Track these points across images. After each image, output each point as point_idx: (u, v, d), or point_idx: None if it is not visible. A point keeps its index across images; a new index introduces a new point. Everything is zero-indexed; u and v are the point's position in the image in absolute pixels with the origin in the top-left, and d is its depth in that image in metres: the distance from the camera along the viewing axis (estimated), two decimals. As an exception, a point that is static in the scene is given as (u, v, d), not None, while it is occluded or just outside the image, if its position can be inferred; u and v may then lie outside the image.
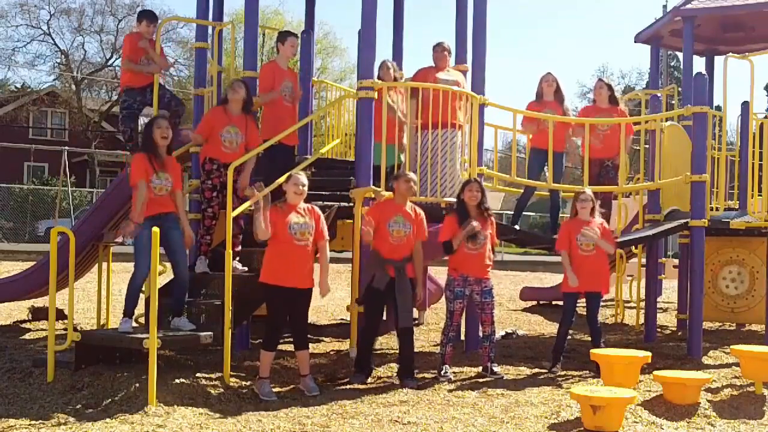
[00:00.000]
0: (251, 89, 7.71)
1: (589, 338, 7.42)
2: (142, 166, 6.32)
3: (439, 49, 8.19)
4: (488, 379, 6.85)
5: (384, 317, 6.85)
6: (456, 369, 7.07)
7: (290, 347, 7.13)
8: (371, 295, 6.60)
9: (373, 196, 7.13)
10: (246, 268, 6.94)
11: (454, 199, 7.60)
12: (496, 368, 7.00)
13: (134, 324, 6.58)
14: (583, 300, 7.38)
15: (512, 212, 10.49)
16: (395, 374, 6.75)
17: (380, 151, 7.25)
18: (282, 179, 6.89)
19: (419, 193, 7.48)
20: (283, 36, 7.83)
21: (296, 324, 6.25)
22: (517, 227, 8.59)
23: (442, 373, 6.83)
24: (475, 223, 6.74)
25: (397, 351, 7.64)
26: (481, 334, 7.12)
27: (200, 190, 7.16)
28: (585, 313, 7.49)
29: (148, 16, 8.06)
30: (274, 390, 6.17)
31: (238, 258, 6.99)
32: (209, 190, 7.07)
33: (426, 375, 6.87)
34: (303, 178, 6.25)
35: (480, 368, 7.06)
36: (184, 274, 6.53)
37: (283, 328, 6.32)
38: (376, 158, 7.28)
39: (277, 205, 6.14)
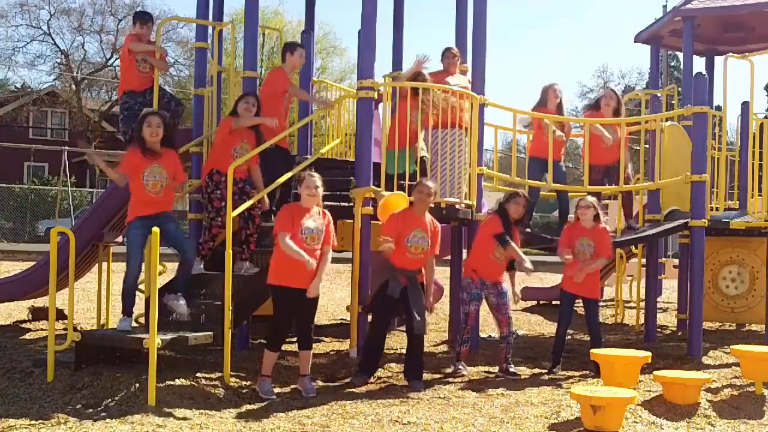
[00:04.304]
0: (251, 89, 7.72)
1: (588, 338, 7.42)
2: (131, 160, 6.35)
3: (449, 54, 8.26)
4: (489, 377, 6.86)
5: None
6: (467, 374, 7.07)
7: (291, 347, 7.14)
8: (384, 302, 6.58)
9: (373, 196, 7.13)
10: (258, 269, 6.93)
11: (455, 200, 7.62)
12: (513, 368, 7.03)
13: (134, 324, 6.58)
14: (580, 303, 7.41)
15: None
16: (401, 374, 6.74)
17: (393, 159, 7.27)
18: (282, 179, 6.91)
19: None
20: (292, 47, 7.89)
21: (302, 325, 6.23)
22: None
23: (458, 368, 6.97)
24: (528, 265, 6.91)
25: (397, 351, 7.67)
26: (498, 335, 7.19)
27: (207, 199, 7.13)
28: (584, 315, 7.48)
29: (140, 17, 8.04)
30: (274, 390, 6.17)
31: (249, 261, 7.01)
32: (218, 200, 7.04)
33: (426, 375, 6.87)
34: (317, 179, 6.15)
35: (496, 368, 7.10)
36: (190, 257, 6.62)
37: (288, 329, 6.31)
38: (393, 166, 7.29)
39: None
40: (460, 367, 7.01)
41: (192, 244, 6.78)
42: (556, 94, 8.67)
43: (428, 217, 6.66)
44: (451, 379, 6.77)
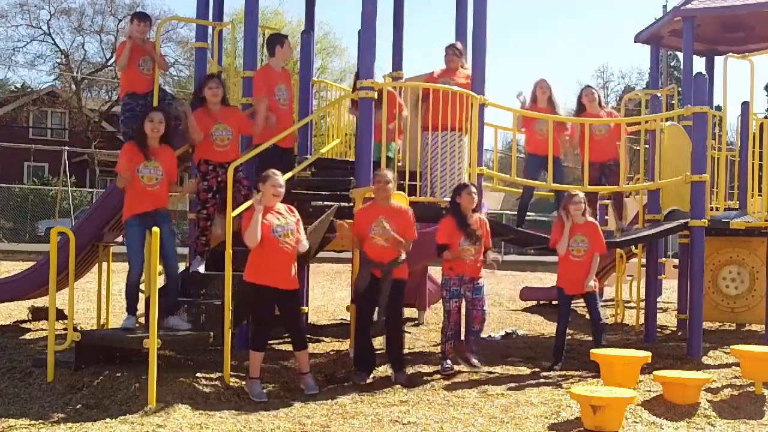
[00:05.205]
0: (249, 89, 7.71)
1: (589, 338, 7.44)
2: (128, 155, 6.33)
3: (449, 51, 8.25)
4: (488, 377, 6.86)
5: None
6: (455, 369, 7.07)
7: (290, 347, 7.13)
8: (358, 296, 6.65)
9: (373, 196, 7.13)
10: None
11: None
12: (475, 360, 7.03)
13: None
14: (580, 299, 7.44)
15: (511, 212, 10.52)
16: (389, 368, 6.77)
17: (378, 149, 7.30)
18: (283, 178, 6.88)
19: (419, 193, 7.49)
20: (281, 39, 7.76)
21: (290, 325, 6.25)
22: (522, 228, 8.61)
23: (444, 366, 6.94)
24: (464, 246, 6.83)
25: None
26: (470, 329, 7.15)
27: (196, 194, 7.13)
28: (585, 314, 7.49)
29: (137, 16, 8.03)
30: (274, 390, 6.17)
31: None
32: (205, 192, 7.04)
33: (426, 375, 6.87)
34: (280, 178, 6.15)
35: (497, 368, 7.11)
36: (175, 273, 6.54)
37: (270, 328, 6.32)
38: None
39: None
40: (447, 365, 6.98)
41: (176, 256, 6.64)
42: (543, 90, 8.67)
43: (394, 205, 6.66)
44: (450, 379, 6.77)
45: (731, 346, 7.00)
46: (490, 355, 7.70)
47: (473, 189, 6.98)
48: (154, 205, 6.38)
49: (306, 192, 7.64)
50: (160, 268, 6.14)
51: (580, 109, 9.05)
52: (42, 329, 8.72)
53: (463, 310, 7.25)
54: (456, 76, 8.19)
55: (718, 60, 11.50)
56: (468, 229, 6.85)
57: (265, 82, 7.47)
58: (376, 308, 6.59)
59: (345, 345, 8.12)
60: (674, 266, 11.99)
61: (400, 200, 6.92)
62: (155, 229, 5.92)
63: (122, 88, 8.09)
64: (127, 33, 8.10)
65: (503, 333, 9.69)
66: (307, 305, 9.37)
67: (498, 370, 7.21)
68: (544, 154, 8.35)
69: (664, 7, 34.54)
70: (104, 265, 8.60)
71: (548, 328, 10.30)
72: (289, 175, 7.01)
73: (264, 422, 5.29)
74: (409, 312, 9.71)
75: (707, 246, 8.59)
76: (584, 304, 7.58)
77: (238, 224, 6.93)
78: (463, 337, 8.08)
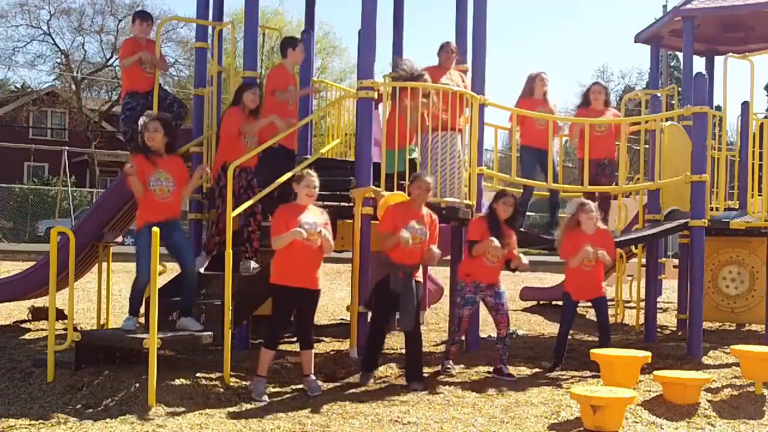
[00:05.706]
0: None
1: (589, 338, 7.44)
2: (139, 167, 6.33)
3: (447, 49, 8.25)
4: (489, 377, 6.85)
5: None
6: (456, 369, 7.07)
7: (290, 347, 7.14)
8: (385, 298, 6.51)
9: (373, 196, 7.13)
10: (258, 266, 6.90)
11: (455, 200, 7.61)
12: (507, 370, 6.98)
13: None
14: (585, 302, 7.42)
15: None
16: (402, 374, 6.72)
17: (392, 158, 7.27)
18: (283, 179, 6.88)
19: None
20: (294, 42, 7.84)
21: (302, 324, 6.23)
22: (521, 228, 8.60)
23: (445, 367, 6.96)
24: (496, 243, 6.75)
25: (397, 351, 7.68)
26: (495, 335, 7.12)
27: (218, 193, 7.12)
28: (586, 314, 7.49)
29: (140, 16, 8.06)
30: (274, 390, 6.17)
31: (253, 259, 6.98)
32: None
33: (427, 375, 6.86)
34: (316, 179, 6.18)
35: (491, 369, 7.06)
36: (192, 274, 6.54)
37: (285, 327, 6.30)
38: (392, 165, 7.32)
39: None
40: (448, 366, 6.99)
41: (193, 260, 6.69)
42: (544, 83, 8.67)
43: (425, 210, 6.64)
44: (450, 379, 6.77)
45: (731, 346, 7.00)
46: (490, 355, 7.69)
47: (510, 200, 6.96)
48: (167, 216, 6.39)
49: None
50: (160, 268, 6.13)
51: (586, 104, 9.05)
52: (42, 329, 8.72)
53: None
54: (452, 75, 8.19)
55: (718, 60, 11.50)
56: (498, 233, 6.82)
57: (281, 81, 7.58)
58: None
59: (345, 345, 8.10)
60: (674, 266, 12.00)
61: (399, 200, 6.90)
62: (155, 229, 5.91)
63: (123, 87, 8.10)
64: (131, 32, 8.10)
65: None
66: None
67: (509, 371, 7.18)
68: (539, 146, 8.36)
69: (664, 7, 34.58)
70: (104, 265, 8.61)
71: (548, 328, 10.30)
72: (289, 175, 7.01)
73: (264, 422, 5.28)
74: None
75: (707, 246, 8.59)
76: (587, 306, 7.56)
77: (239, 224, 6.97)
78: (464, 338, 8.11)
